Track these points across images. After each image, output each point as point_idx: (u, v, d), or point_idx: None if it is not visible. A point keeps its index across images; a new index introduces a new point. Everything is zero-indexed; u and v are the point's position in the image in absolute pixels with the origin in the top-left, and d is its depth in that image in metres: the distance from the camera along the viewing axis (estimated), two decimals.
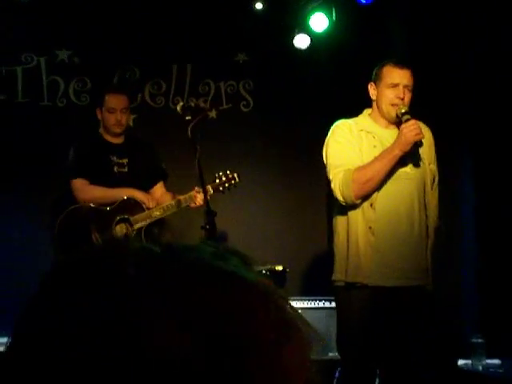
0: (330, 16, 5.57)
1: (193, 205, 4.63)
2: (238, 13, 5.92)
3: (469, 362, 5.14)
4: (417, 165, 3.84)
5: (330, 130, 3.96)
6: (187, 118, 4.25)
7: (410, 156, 3.77)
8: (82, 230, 4.58)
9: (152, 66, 6.05)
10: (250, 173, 5.81)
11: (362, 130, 3.86)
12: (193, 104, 5.52)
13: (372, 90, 3.92)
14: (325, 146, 3.95)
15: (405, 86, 3.80)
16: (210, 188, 4.63)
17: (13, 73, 5.93)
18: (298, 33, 5.74)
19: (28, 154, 5.76)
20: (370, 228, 3.72)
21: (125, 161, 4.80)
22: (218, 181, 4.72)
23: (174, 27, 5.95)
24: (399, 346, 3.80)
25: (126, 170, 4.79)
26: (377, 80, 3.90)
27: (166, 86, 6.13)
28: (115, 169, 4.77)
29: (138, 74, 6.06)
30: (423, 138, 3.72)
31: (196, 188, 4.59)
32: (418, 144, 3.73)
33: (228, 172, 4.77)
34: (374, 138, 3.84)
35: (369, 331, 3.72)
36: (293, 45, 5.77)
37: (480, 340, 5.12)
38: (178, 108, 4.38)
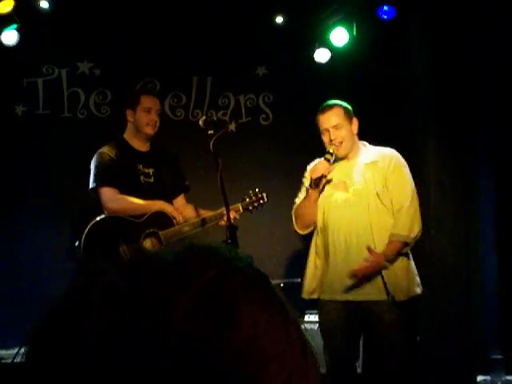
0: (350, 31, 5.59)
1: (222, 222, 4.52)
2: (258, 26, 5.95)
3: (488, 378, 5.13)
4: (359, 191, 4.22)
5: None
6: (210, 132, 4.23)
7: (355, 184, 4.23)
8: (109, 241, 4.40)
9: (172, 79, 6.08)
10: (268, 186, 5.82)
11: None
12: (215, 118, 5.51)
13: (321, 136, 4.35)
14: None
15: (333, 127, 4.24)
16: (240, 207, 4.62)
17: (34, 84, 5.97)
18: (318, 47, 5.77)
19: (48, 165, 5.80)
20: (316, 253, 4.30)
21: (151, 170, 4.65)
22: (247, 200, 4.70)
23: (194, 40, 5.98)
24: (374, 355, 4.35)
25: (151, 180, 4.64)
26: (317, 129, 4.37)
27: (185, 98, 6.16)
28: (142, 178, 4.61)
29: (158, 86, 6.08)
30: (319, 175, 4.14)
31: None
32: (315, 181, 4.16)
33: (257, 190, 4.75)
34: (328, 172, 4.24)
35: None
36: (313, 59, 5.80)
37: (499, 356, 5.11)
38: (201, 122, 4.33)
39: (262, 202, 4.75)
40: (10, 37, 5.43)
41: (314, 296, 4.34)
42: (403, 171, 4.29)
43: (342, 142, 4.24)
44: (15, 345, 5.25)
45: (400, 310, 4.13)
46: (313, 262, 4.32)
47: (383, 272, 4.16)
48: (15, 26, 5.40)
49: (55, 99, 5.99)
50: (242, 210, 4.64)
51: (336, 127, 4.23)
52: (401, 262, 4.20)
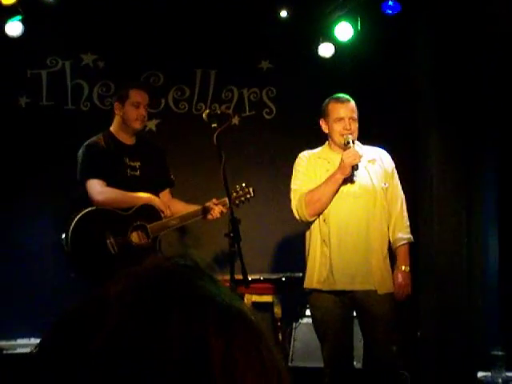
0: (355, 25, 5.57)
1: (209, 217, 4.61)
2: (262, 20, 5.94)
3: (488, 374, 5.11)
4: (365, 185, 4.36)
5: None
6: (213, 125, 4.23)
7: (360, 177, 4.34)
8: (97, 234, 4.42)
9: (176, 72, 6.08)
10: (271, 180, 5.84)
11: (319, 158, 4.50)
12: (218, 111, 5.50)
13: (323, 125, 4.47)
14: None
15: (350, 118, 4.35)
16: (226, 200, 4.58)
17: (38, 76, 5.97)
18: (322, 41, 5.76)
19: (51, 156, 5.80)
20: (324, 241, 4.32)
21: (137, 164, 4.65)
22: (234, 194, 4.70)
23: (198, 33, 5.97)
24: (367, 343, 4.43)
25: (137, 173, 4.64)
26: (325, 116, 4.45)
27: (189, 91, 6.16)
28: (128, 172, 4.62)
29: (162, 79, 6.08)
30: (359, 161, 4.24)
31: (213, 200, 4.61)
32: (353, 168, 4.25)
33: (244, 185, 4.78)
34: (328, 163, 4.43)
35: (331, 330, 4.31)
36: (317, 53, 5.79)
37: (500, 352, 5.09)
38: (204, 115, 4.34)
39: (248, 196, 4.79)
40: (15, 28, 5.43)
41: (325, 286, 4.31)
42: (396, 174, 4.51)
43: (352, 134, 4.36)
44: (16, 336, 5.26)
45: (391, 300, 4.32)
46: (319, 251, 4.33)
47: (380, 264, 4.34)
48: (19, 17, 5.39)
49: (59, 91, 5.99)
50: (227, 204, 4.60)
51: (352, 119, 4.36)
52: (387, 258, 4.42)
